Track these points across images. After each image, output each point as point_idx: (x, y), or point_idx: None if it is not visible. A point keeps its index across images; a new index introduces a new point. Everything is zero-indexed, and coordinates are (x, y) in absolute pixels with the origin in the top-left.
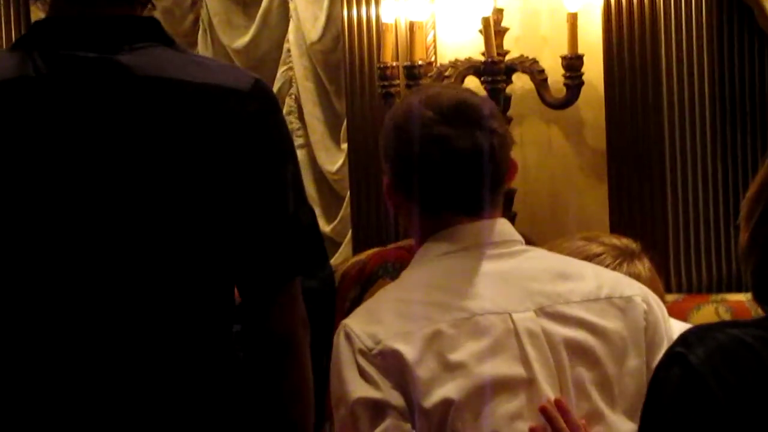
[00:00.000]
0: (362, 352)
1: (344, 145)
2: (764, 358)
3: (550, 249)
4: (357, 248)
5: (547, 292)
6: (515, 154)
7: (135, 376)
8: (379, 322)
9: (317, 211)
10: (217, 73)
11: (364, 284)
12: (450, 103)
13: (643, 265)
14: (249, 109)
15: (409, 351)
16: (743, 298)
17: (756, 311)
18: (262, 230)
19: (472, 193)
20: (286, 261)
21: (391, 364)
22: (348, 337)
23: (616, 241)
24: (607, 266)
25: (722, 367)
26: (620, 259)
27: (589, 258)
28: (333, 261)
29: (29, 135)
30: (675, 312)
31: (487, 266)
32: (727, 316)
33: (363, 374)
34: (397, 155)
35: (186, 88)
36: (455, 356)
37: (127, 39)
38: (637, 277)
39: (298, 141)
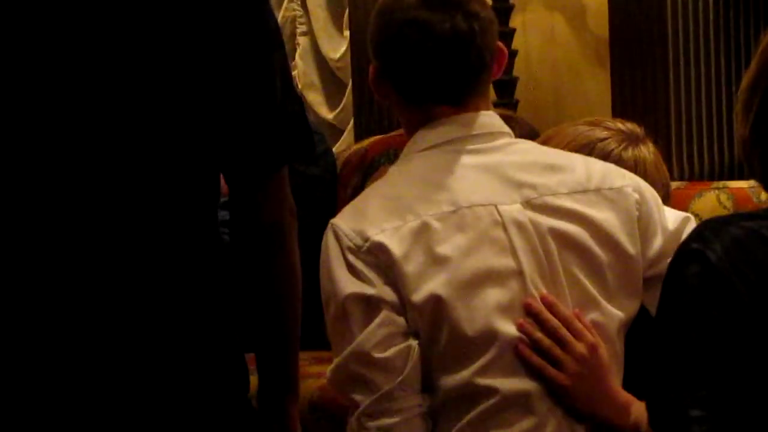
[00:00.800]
0: (351, 250)
1: (346, 32)
2: None
3: (554, 134)
4: (359, 136)
5: (534, 184)
6: (518, 41)
7: (118, 256)
8: (366, 219)
9: (320, 99)
10: None
11: (365, 171)
12: None
13: (648, 149)
14: None
15: (396, 246)
16: (745, 185)
17: (758, 198)
18: (248, 117)
19: (454, 82)
20: (273, 149)
21: (380, 261)
22: (336, 235)
23: (620, 125)
24: (611, 150)
25: (741, 262)
26: (625, 144)
27: (593, 142)
28: (335, 149)
29: (5, 17)
30: (677, 199)
31: (473, 159)
32: (728, 203)
33: (353, 271)
34: (379, 41)
35: None
36: (442, 249)
37: None
38: (643, 160)
39: (300, 28)
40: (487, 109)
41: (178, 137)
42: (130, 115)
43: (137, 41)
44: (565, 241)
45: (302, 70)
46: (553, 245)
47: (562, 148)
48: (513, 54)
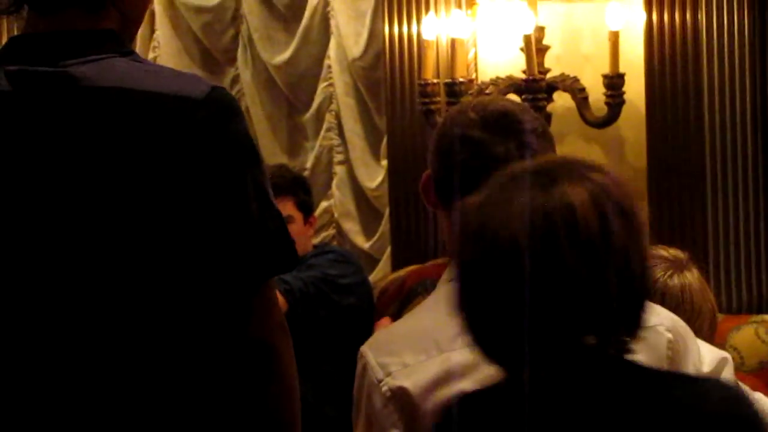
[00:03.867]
0: (374, 385)
1: (384, 161)
2: None
3: None
4: (396, 265)
5: None
6: None
7: (110, 388)
8: (391, 352)
9: (356, 228)
10: (169, 81)
11: (402, 301)
12: (495, 110)
13: (693, 275)
14: (198, 117)
15: (417, 385)
16: None
17: None
18: (225, 238)
19: None
20: (254, 267)
21: (402, 404)
22: (364, 367)
23: (664, 252)
24: (657, 279)
25: None
26: (671, 271)
27: None
28: (372, 277)
29: None
30: None
31: None
32: (767, 338)
33: (372, 412)
34: (434, 150)
35: (134, 96)
36: (464, 386)
37: (80, 51)
38: (689, 287)
39: (337, 158)
40: None
41: (154, 261)
42: (101, 242)
43: (99, 166)
44: None
45: (338, 199)
46: None
47: None
48: None
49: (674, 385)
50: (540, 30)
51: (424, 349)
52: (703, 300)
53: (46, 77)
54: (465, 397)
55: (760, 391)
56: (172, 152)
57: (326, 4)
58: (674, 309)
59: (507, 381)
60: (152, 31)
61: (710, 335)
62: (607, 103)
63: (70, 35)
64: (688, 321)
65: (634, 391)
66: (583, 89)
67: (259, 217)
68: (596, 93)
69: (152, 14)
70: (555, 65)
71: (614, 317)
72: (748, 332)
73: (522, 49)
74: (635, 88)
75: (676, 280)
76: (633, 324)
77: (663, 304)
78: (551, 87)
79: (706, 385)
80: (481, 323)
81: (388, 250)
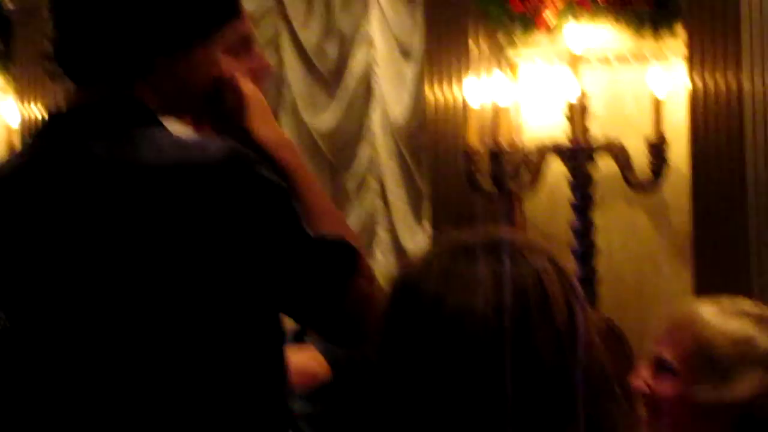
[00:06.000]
0: None
1: (425, 222)
2: None
3: (685, 322)
4: None
5: None
6: (600, 237)
7: None
8: None
9: None
10: (186, 151)
11: None
12: None
13: None
14: (221, 177)
15: None
16: None
17: None
18: (288, 267)
19: None
20: (331, 272)
21: None
22: None
23: (747, 307)
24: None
25: None
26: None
27: (751, 341)
28: None
29: (10, 234)
30: None
31: None
32: None
33: None
34: None
35: (152, 171)
36: None
37: (103, 126)
38: None
39: (380, 222)
40: None
41: (230, 320)
42: (176, 318)
43: (123, 246)
44: None
45: (381, 261)
46: None
47: (705, 344)
48: (595, 250)
49: None
50: (583, 95)
51: None
52: None
53: (67, 155)
54: None
55: None
56: (207, 217)
57: (369, 68)
58: None
59: None
60: None
61: None
62: (651, 168)
63: (95, 108)
64: None
65: None
66: (626, 153)
67: (310, 243)
68: (640, 157)
69: None
70: (599, 129)
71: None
72: None
73: (566, 114)
74: (679, 152)
75: None
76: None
77: None
78: (595, 152)
79: None
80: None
81: None
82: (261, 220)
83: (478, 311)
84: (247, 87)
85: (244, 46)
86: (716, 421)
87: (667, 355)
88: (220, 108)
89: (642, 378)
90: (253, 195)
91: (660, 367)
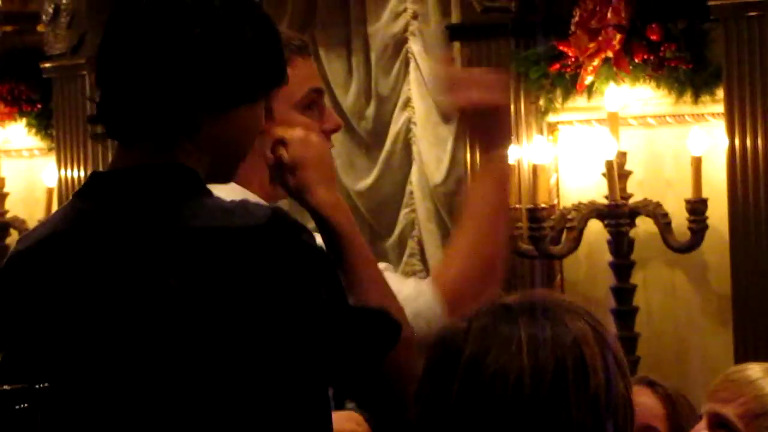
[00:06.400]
0: None
1: None
2: None
3: (731, 388)
4: None
5: None
6: (639, 297)
7: None
8: None
9: None
10: (230, 215)
11: None
12: None
13: None
14: (266, 241)
15: None
16: None
17: None
18: (324, 336)
19: None
20: (365, 354)
21: None
22: None
23: None
24: None
25: None
26: None
27: None
28: None
29: (52, 296)
30: None
31: None
32: None
33: None
34: None
35: (197, 237)
36: None
37: (143, 189)
38: None
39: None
40: None
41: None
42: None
43: (175, 313)
44: None
45: None
46: None
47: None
48: (634, 311)
49: None
50: (622, 155)
51: None
52: None
53: (111, 219)
54: None
55: None
56: (249, 282)
57: (408, 130)
58: None
59: None
60: None
61: None
62: (690, 228)
63: (137, 172)
64: None
65: None
66: (666, 214)
67: (346, 305)
68: (679, 218)
69: None
70: (637, 190)
71: None
72: None
73: (604, 175)
74: (718, 213)
75: None
76: None
77: None
78: (634, 212)
79: None
80: None
81: None
82: (301, 286)
83: (513, 374)
84: (312, 146)
85: (316, 105)
86: None
87: (728, 413)
88: (277, 167)
89: None
90: (293, 261)
91: (719, 425)
